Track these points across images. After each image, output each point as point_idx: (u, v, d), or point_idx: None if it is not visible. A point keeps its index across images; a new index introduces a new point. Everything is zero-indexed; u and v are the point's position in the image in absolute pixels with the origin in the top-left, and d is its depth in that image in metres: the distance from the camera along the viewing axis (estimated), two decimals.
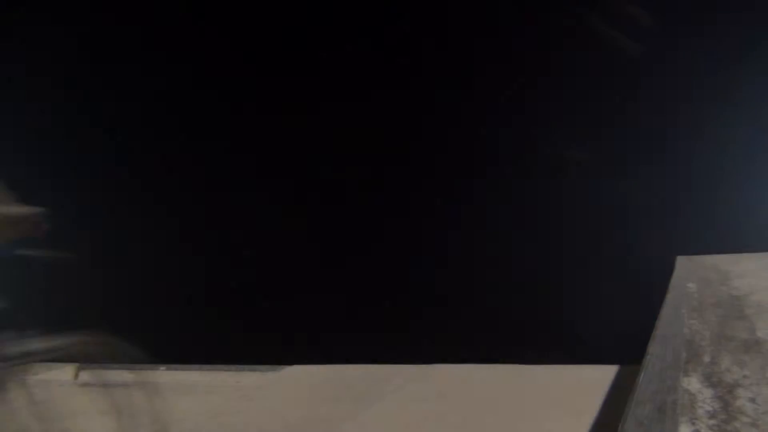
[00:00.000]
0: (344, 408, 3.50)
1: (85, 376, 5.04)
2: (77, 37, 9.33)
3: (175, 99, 9.52)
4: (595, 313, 6.85)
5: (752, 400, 1.60)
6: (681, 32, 7.94)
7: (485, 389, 3.63)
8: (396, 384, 3.91)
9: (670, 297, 3.62)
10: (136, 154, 9.80)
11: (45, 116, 9.16)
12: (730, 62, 7.90)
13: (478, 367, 4.14)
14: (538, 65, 8.68)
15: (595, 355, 4.24)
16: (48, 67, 8.89)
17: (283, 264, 8.90)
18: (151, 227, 9.40)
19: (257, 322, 8.28)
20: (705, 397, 1.65)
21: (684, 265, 5.74)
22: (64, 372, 4.61)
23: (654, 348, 2.26)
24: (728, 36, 7.79)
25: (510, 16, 8.58)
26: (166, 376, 4.78)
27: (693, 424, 1.47)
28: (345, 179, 9.14)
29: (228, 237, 9.49)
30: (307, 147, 9.12)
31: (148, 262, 9.33)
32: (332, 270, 8.59)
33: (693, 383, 1.77)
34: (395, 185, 9.12)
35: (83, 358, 2.62)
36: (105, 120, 9.96)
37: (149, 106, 9.71)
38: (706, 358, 2.05)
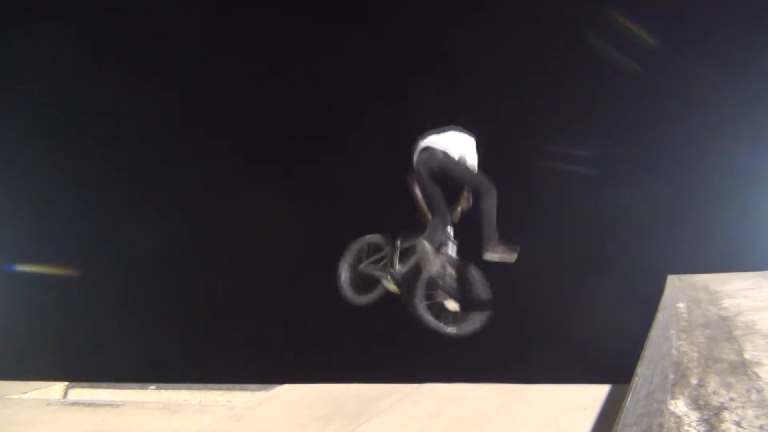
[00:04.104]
0: (336, 427, 3.48)
1: (73, 394, 4.99)
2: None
3: None
4: (587, 330, 6.84)
5: (737, 423, 1.62)
6: (679, 46, 8.00)
7: (477, 408, 3.62)
8: (387, 403, 3.89)
9: (660, 317, 3.65)
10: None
11: None
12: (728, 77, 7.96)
13: (471, 386, 4.13)
14: (537, 73, 8.72)
15: (587, 374, 4.24)
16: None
17: (276, 280, 8.85)
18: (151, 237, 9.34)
19: (248, 340, 8.20)
20: (691, 421, 1.66)
21: (674, 284, 5.78)
22: (53, 390, 4.56)
23: (642, 369, 2.28)
24: (728, 50, 7.85)
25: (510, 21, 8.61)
26: (155, 395, 4.74)
27: None
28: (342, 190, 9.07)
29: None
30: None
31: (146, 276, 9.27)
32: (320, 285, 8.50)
33: (680, 406, 1.79)
34: (392, 192, 9.07)
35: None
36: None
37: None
38: (694, 381, 2.07)
